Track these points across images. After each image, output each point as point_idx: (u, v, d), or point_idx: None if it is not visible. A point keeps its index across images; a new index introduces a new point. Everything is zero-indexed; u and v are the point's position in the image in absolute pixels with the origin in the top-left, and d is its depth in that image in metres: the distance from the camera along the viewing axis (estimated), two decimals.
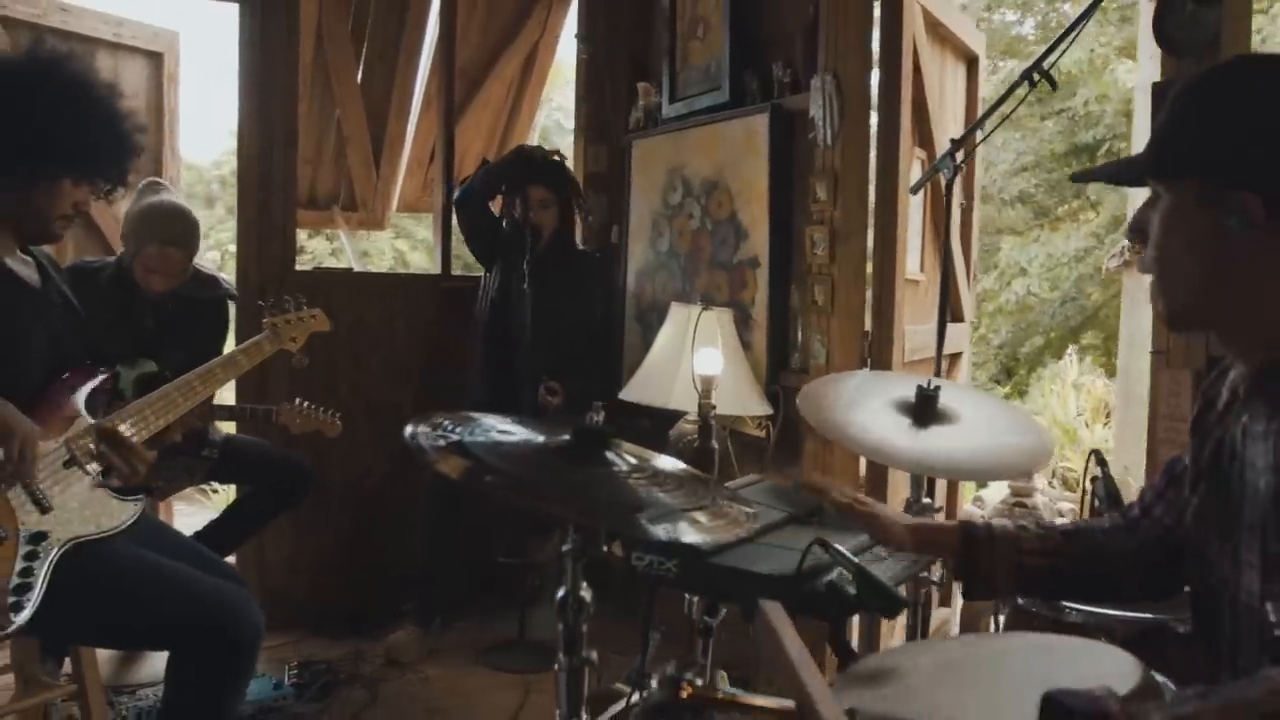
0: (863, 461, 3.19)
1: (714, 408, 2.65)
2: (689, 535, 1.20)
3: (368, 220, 5.42)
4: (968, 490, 4.28)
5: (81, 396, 2.07)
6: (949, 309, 2.54)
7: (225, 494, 5.14)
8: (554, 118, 12.48)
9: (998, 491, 3.92)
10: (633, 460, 1.38)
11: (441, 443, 1.21)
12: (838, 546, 1.36)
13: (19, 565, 1.86)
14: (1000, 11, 12.28)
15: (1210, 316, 1.24)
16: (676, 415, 3.33)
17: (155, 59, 4.28)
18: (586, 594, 1.24)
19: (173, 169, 4.33)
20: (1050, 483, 4.88)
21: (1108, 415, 5.50)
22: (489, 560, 3.94)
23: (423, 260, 13.37)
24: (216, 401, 3.38)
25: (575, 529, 1.24)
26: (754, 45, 3.61)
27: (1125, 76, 9.36)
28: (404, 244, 13.63)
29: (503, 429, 1.42)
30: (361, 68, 4.86)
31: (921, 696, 1.06)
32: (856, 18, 3.13)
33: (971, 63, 4.02)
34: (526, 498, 1.25)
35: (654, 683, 1.02)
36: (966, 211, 4.03)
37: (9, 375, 1.98)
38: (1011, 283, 11.06)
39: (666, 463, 1.52)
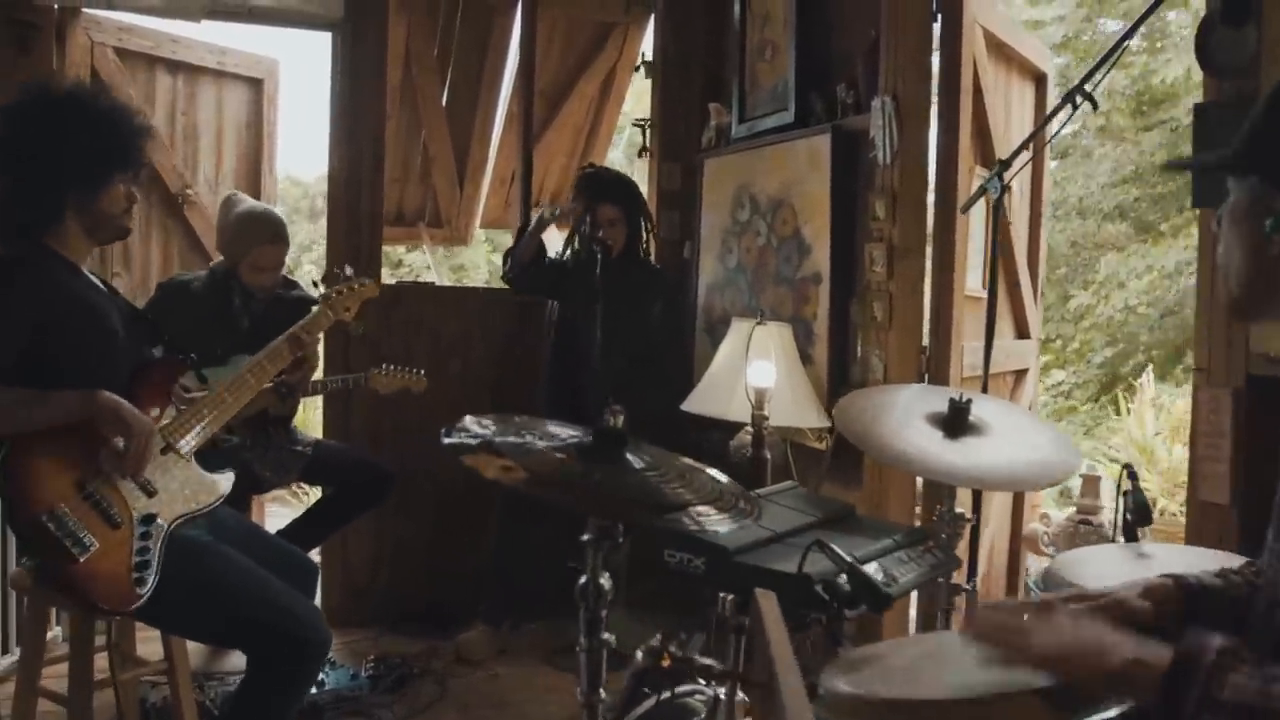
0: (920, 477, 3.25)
1: (766, 419, 2.75)
2: (694, 525, 1.31)
3: (452, 236, 5.65)
4: (1033, 509, 4.28)
5: (169, 385, 2.29)
6: (994, 324, 2.60)
7: (313, 495, 5.40)
8: (633, 136, 12.68)
9: (1063, 510, 3.92)
10: (650, 460, 1.50)
11: (472, 441, 1.35)
12: (833, 546, 1.46)
13: (136, 545, 2.08)
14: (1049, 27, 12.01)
15: (1262, 310, 1.30)
16: (737, 426, 3.44)
17: (256, 85, 4.55)
18: (605, 581, 1.36)
19: (270, 186, 4.59)
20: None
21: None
22: (559, 565, 4.05)
23: None
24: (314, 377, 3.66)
25: (595, 522, 1.36)
26: (819, 67, 3.70)
27: None
28: (498, 257, 14.00)
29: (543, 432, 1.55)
30: (447, 90, 5.10)
31: (895, 678, 1.15)
32: (916, 40, 3.21)
33: (1040, 81, 4.05)
34: (547, 492, 1.37)
35: (639, 653, 1.13)
36: (1034, 227, 4.06)
37: (108, 370, 2.19)
38: (1110, 297, 10.82)
39: (683, 462, 1.63)
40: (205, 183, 4.37)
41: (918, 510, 3.29)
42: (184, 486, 2.22)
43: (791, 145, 3.71)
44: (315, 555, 3.79)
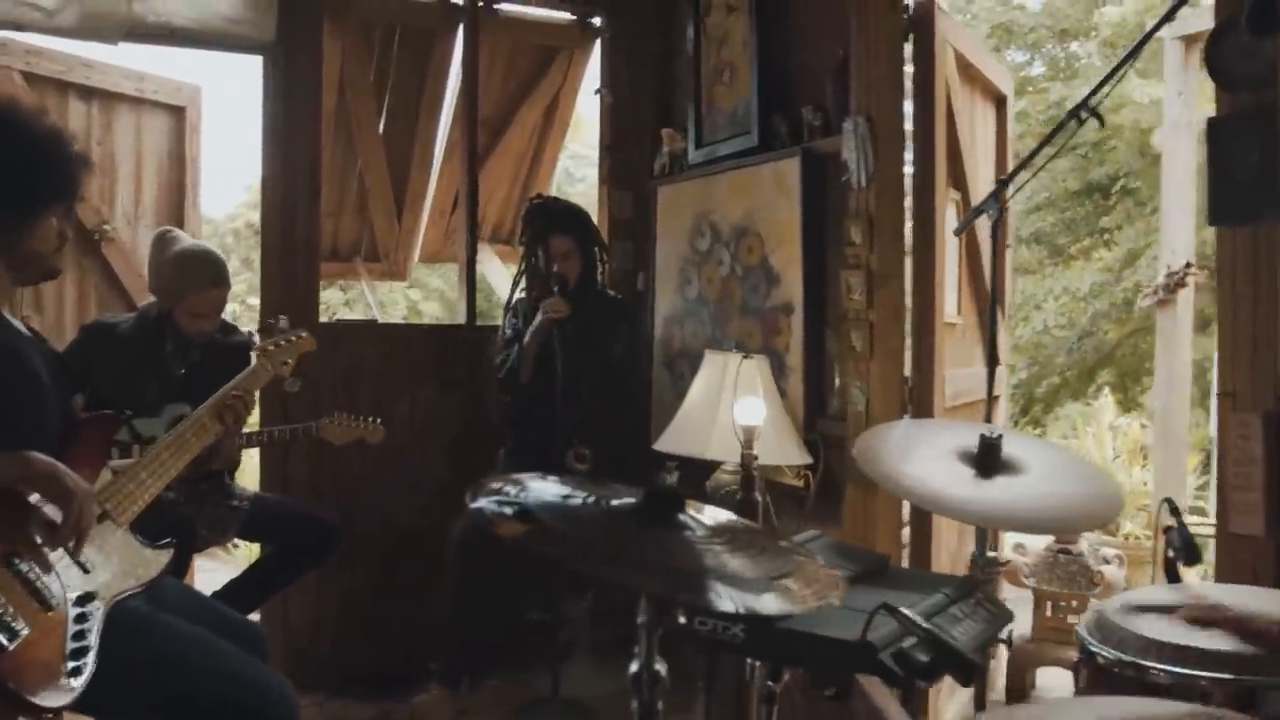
0: (905, 510, 3.11)
1: (756, 458, 2.57)
2: (774, 605, 1.12)
3: (390, 271, 5.40)
4: (1007, 539, 4.18)
5: (101, 447, 2.03)
6: (996, 351, 2.46)
7: (247, 550, 5.07)
8: (564, 165, 12.52)
9: (1040, 539, 3.80)
10: (702, 519, 1.31)
11: (507, 509, 1.14)
12: (905, 611, 1.28)
13: (72, 629, 1.80)
14: (1009, 51, 12.27)
15: None
16: (710, 465, 3.25)
17: (178, 113, 4.28)
18: (661, 667, 1.16)
19: (194, 221, 4.31)
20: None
21: (1144, 457, 5.38)
22: (519, 616, 3.84)
23: (436, 310, 13.32)
24: (256, 428, 3.39)
25: (650, 600, 1.16)
26: (781, 89, 3.58)
27: (1142, 113, 9.31)
28: (416, 293, 13.58)
29: (559, 490, 1.35)
30: (384, 118, 4.86)
31: None
32: (888, 59, 3.10)
33: (1000, 103, 3.99)
34: (600, 567, 1.17)
35: None
36: (999, 252, 3.97)
37: (35, 427, 1.93)
38: (1029, 318, 10.96)
39: (727, 518, 1.44)
40: (124, 217, 4.08)
41: (904, 551, 3.14)
42: (123, 560, 1.96)
43: (755, 170, 3.57)
44: (253, 615, 3.52)
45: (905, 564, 3.13)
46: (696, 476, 3.50)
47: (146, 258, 4.10)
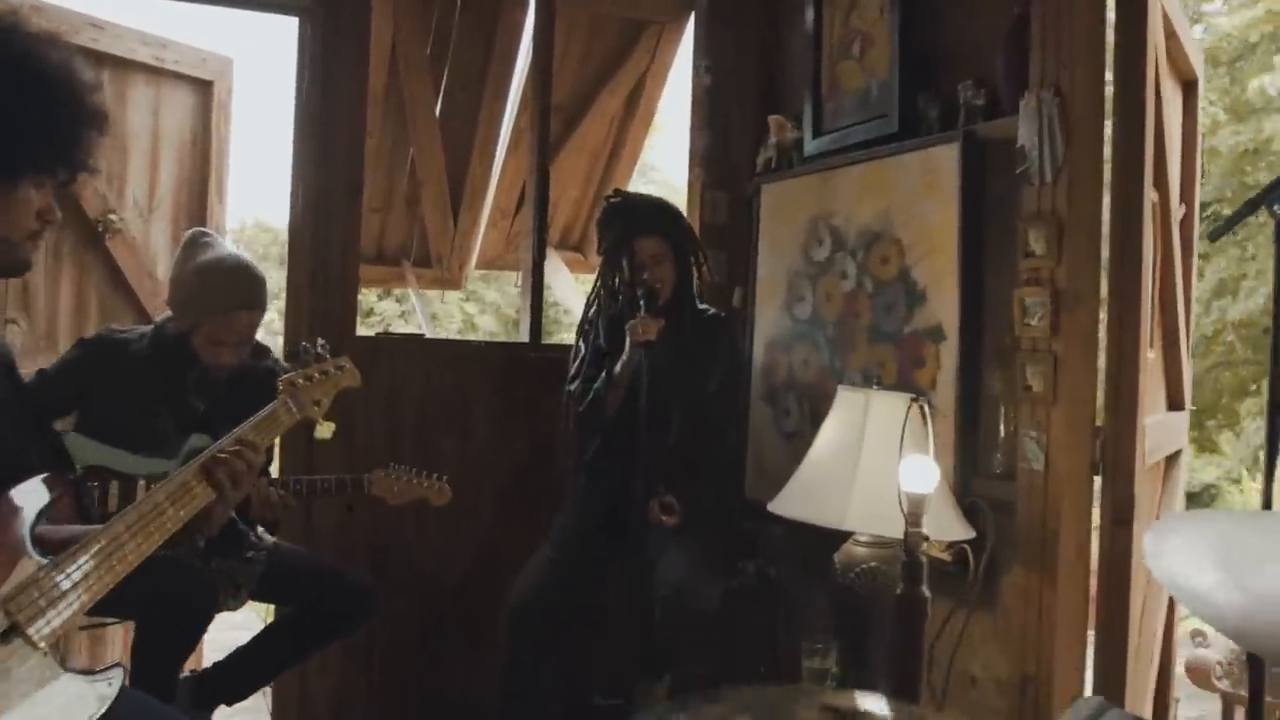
0: (1092, 611, 2.46)
1: (926, 539, 1.93)
2: None
3: (442, 278, 4.84)
4: (1182, 622, 3.48)
5: (23, 526, 1.43)
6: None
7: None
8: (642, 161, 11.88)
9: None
10: None
11: None
12: None
13: None
14: None
15: None
16: (833, 532, 2.61)
17: (204, 88, 3.77)
18: None
19: (217, 215, 3.79)
20: None
21: None
22: (583, 700, 3.26)
23: (491, 325, 12.73)
24: (289, 474, 2.85)
25: None
26: (930, 62, 2.97)
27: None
28: (473, 307, 13.00)
29: None
30: (441, 99, 4.29)
31: None
32: (1087, 14, 2.45)
33: (1189, 87, 3.33)
34: None
35: None
36: (1186, 270, 3.30)
37: None
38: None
39: None
40: (134, 207, 3.55)
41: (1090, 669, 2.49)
42: (38, 703, 1.36)
43: (895, 162, 2.95)
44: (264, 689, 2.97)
45: (1088, 683, 2.47)
46: (812, 543, 2.88)
47: (158, 255, 3.62)
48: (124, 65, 3.50)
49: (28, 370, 2.82)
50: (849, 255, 3.14)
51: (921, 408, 2.24)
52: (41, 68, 1.42)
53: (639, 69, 4.39)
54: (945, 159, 2.76)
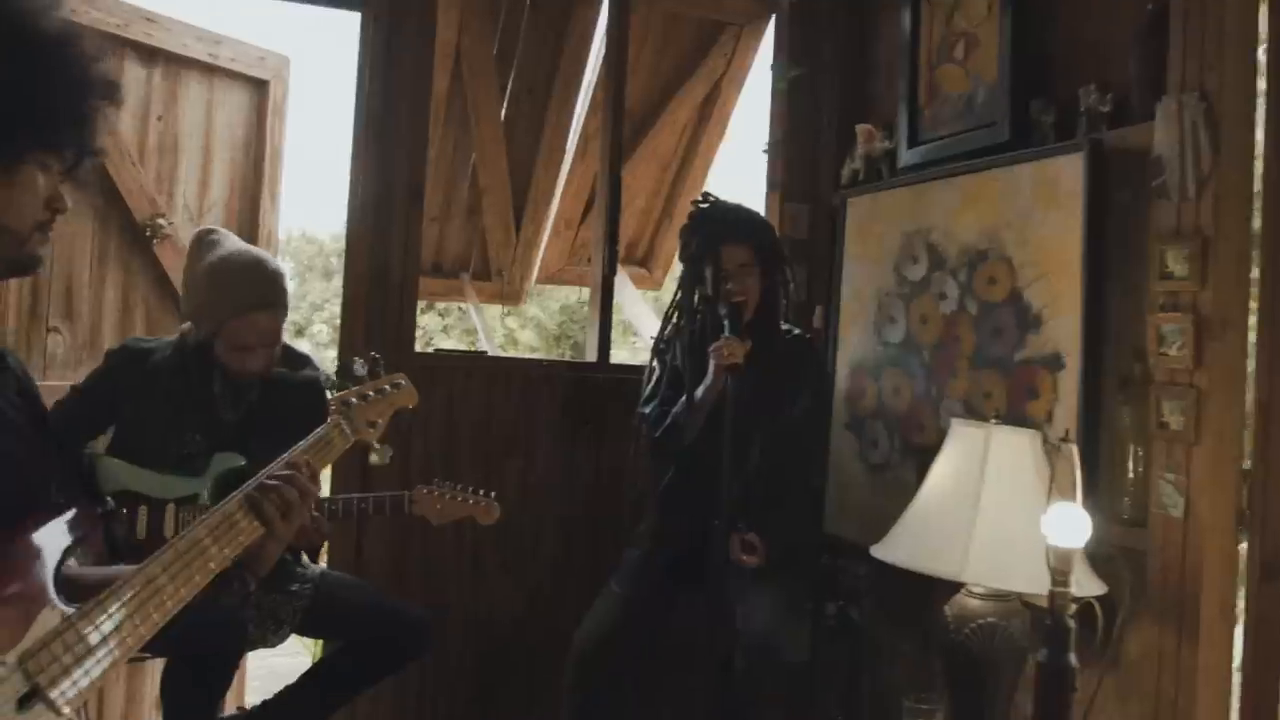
0: (1236, 683, 2.21)
1: (1074, 601, 1.70)
2: None
3: (503, 292, 4.65)
4: None
5: (44, 570, 1.25)
6: None
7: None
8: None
9: None
10: None
11: None
12: None
13: None
14: None
15: None
16: (940, 582, 2.38)
17: (259, 88, 3.62)
18: None
19: (270, 222, 3.64)
20: None
21: None
22: None
23: (532, 340, 12.51)
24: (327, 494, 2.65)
25: None
26: (1044, 64, 2.75)
27: None
28: (514, 321, 12.78)
29: None
30: (506, 103, 4.12)
31: None
32: (1236, 8, 2.21)
33: None
34: None
35: None
36: None
37: None
38: None
39: None
40: (184, 211, 3.41)
41: None
42: None
43: (1005, 174, 2.73)
44: None
45: None
46: (904, 585, 2.65)
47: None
48: (177, 62, 3.36)
49: (66, 382, 2.69)
50: (949, 275, 2.91)
51: (1056, 445, 2.01)
52: (39, 35, 1.25)
53: (714, 74, 4.19)
54: (1066, 170, 2.53)
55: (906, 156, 3.16)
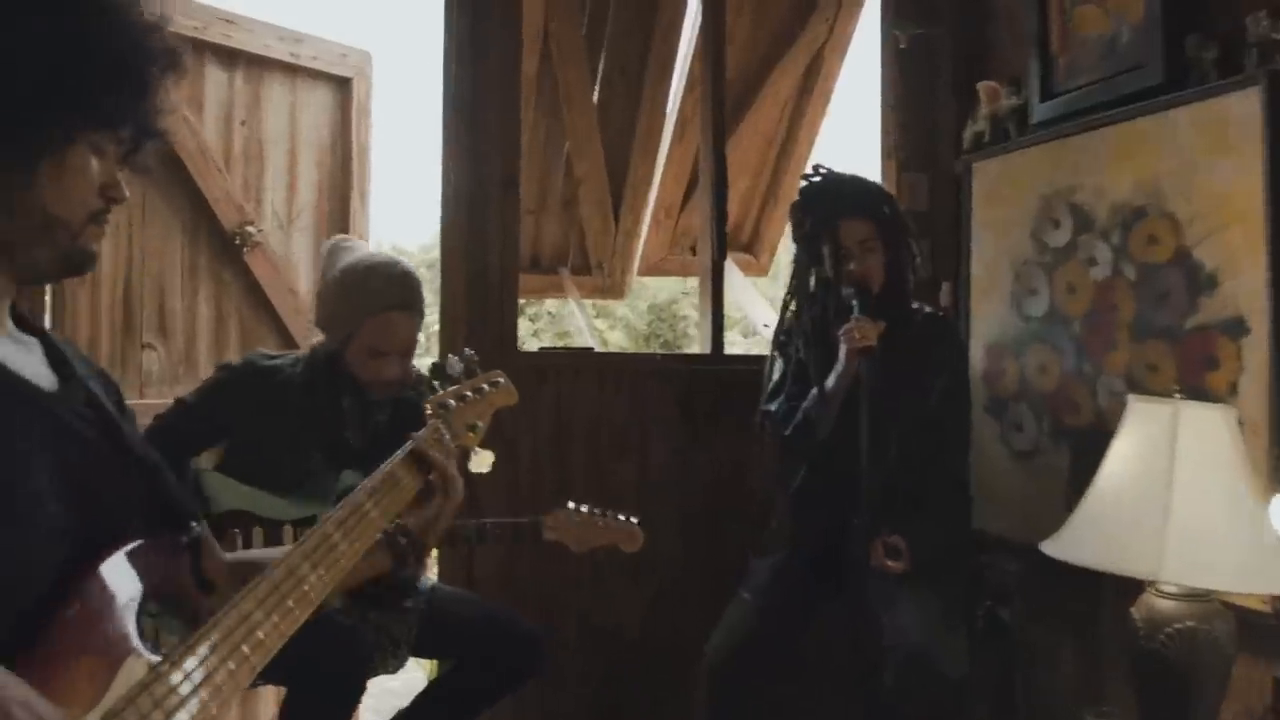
0: None
1: None
2: None
3: (604, 286, 4.48)
4: None
5: (126, 614, 1.09)
6: None
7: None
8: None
9: None
10: None
11: None
12: None
13: None
14: None
15: None
16: (1118, 580, 2.13)
17: (342, 86, 3.51)
18: None
19: (360, 224, 3.51)
20: None
21: None
22: None
23: (622, 340, 12.31)
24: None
25: None
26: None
27: None
28: (602, 322, 12.60)
29: None
30: (598, 86, 3.94)
31: None
32: None
33: None
34: None
35: None
36: None
37: None
38: None
39: None
40: (273, 217, 3.31)
41: None
42: None
43: (1162, 119, 2.47)
44: None
45: None
46: (1072, 592, 2.41)
47: (299, 269, 3.36)
48: (259, 63, 3.27)
49: (164, 400, 2.58)
50: (1099, 237, 2.65)
51: (1202, 414, 1.75)
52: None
53: (816, 42, 3.96)
54: (1236, 110, 2.26)
55: (1040, 111, 2.91)
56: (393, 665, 2.46)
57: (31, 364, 1.15)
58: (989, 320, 3.08)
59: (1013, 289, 2.98)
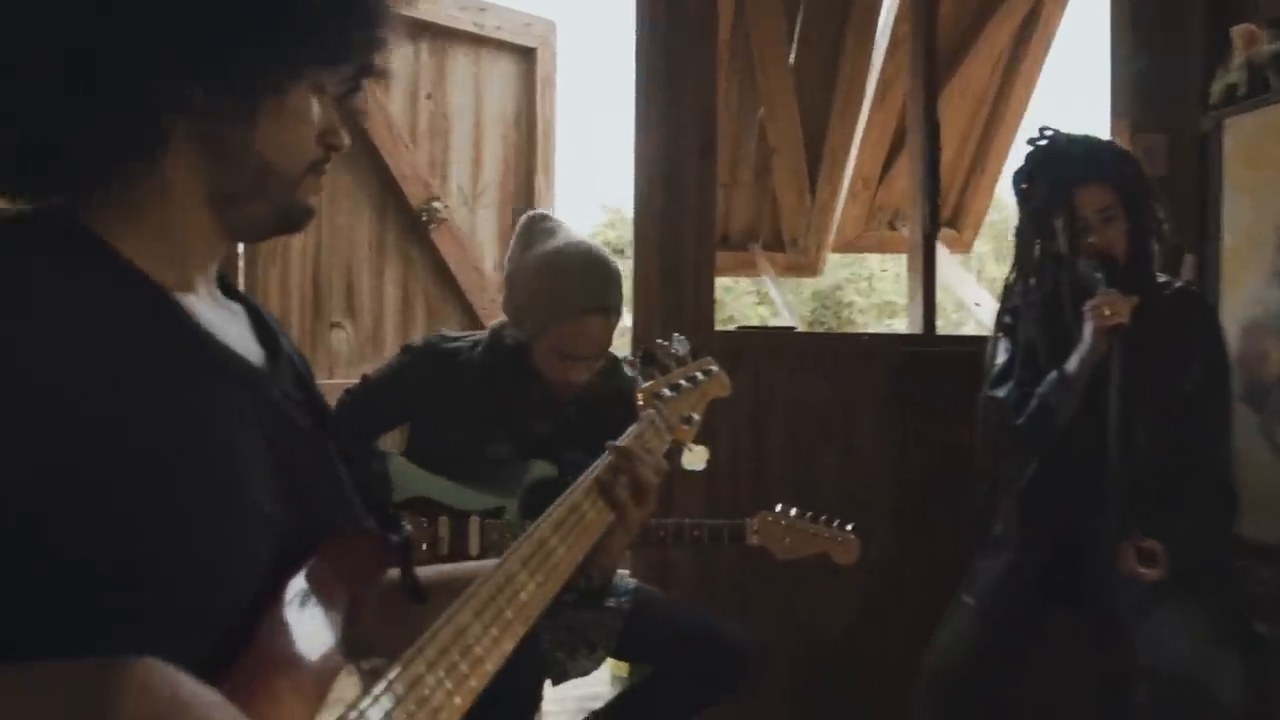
0: None
1: None
2: None
3: (797, 263, 4.29)
4: None
5: (338, 621, 0.97)
6: None
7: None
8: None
9: None
10: None
11: None
12: None
13: None
14: None
15: None
16: None
17: (526, 56, 3.43)
18: None
19: (548, 201, 3.43)
20: None
21: None
22: None
23: (766, 320, 11.98)
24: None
25: None
26: None
27: None
28: (765, 310, 12.22)
29: None
30: (795, 49, 3.74)
31: None
32: None
33: None
34: None
35: None
36: None
37: (196, 577, 0.90)
38: None
39: None
40: (458, 194, 3.25)
41: None
42: None
43: None
44: None
45: None
46: None
47: (484, 247, 3.29)
48: (444, 35, 3.22)
49: (353, 380, 2.53)
50: None
51: None
52: None
53: None
54: None
55: None
56: (587, 667, 2.34)
57: (239, 335, 1.04)
58: (1245, 296, 2.77)
59: (1274, 261, 2.67)
